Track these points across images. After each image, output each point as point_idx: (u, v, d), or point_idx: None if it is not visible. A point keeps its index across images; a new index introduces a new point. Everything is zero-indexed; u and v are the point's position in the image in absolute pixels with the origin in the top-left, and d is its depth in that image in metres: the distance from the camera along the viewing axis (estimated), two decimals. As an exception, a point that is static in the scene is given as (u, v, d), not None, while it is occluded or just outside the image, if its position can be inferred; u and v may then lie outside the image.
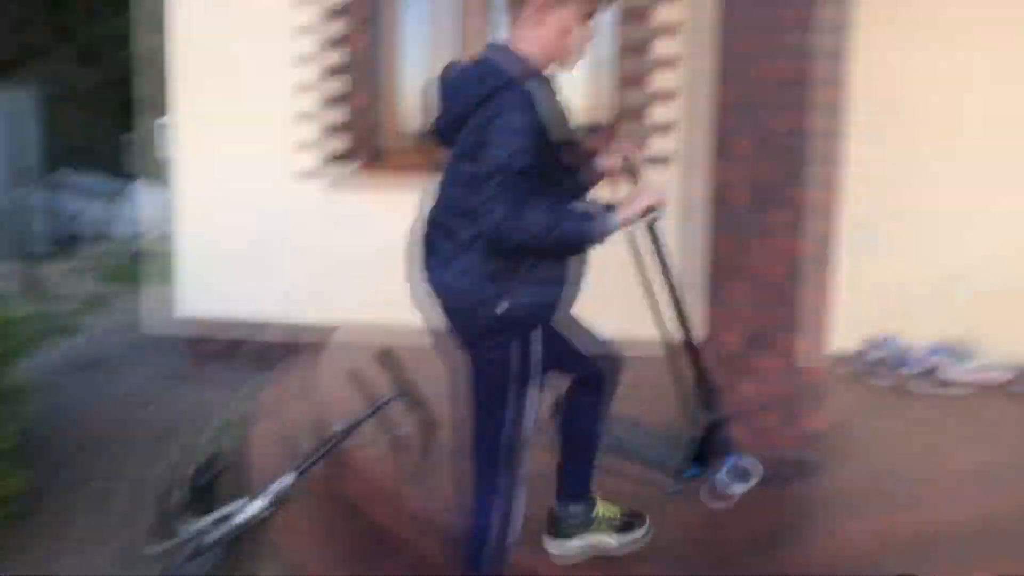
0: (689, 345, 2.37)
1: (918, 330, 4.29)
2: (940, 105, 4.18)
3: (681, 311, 2.33)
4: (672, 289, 2.30)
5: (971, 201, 4.17)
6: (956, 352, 4.13)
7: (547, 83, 2.06)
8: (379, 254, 5.06)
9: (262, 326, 5.10)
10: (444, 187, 2.09)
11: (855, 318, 4.40)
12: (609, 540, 2.38)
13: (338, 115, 4.97)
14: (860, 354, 4.43)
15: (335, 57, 4.92)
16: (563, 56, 2.09)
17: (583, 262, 2.15)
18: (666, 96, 4.58)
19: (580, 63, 2.16)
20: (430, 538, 2.61)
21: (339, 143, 4.99)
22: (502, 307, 1.97)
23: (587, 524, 2.38)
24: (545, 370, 2.10)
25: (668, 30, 4.53)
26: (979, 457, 3.05)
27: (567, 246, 1.99)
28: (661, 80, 4.58)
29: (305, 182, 5.02)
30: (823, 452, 3.05)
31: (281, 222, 5.08)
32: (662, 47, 4.56)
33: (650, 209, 2.04)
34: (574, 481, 2.39)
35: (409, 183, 4.52)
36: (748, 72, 2.91)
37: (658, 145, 4.61)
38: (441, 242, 2.07)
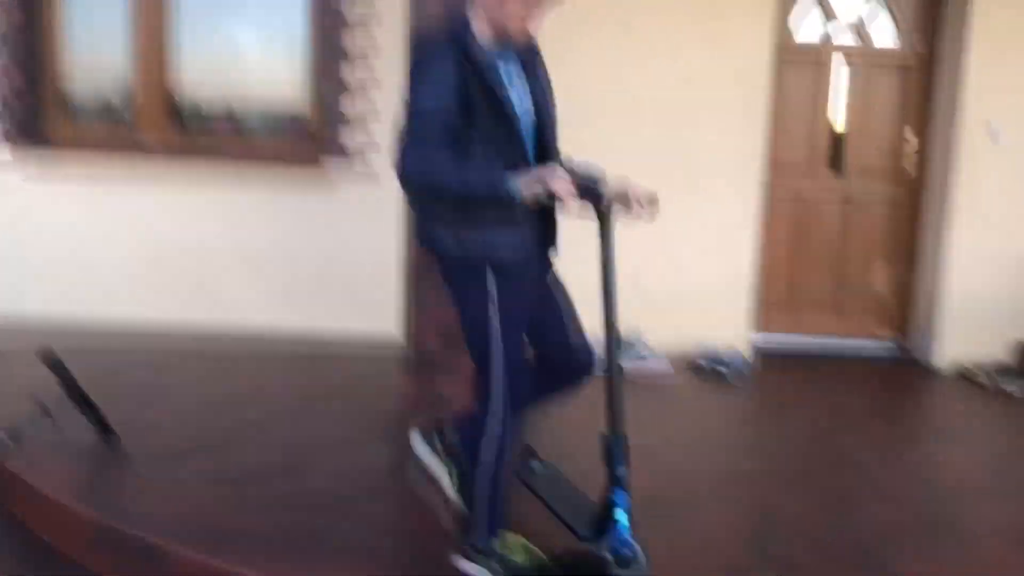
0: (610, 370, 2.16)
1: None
2: (619, 109, 4.63)
3: (609, 325, 2.15)
4: (605, 296, 2.17)
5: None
6: (623, 345, 4.63)
7: (482, 48, 2.06)
8: (41, 243, 4.69)
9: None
10: None
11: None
12: None
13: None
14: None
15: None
16: (509, 25, 2.08)
17: (531, 215, 2.15)
18: (362, 90, 4.64)
19: (531, 33, 2.12)
20: (103, 553, 2.47)
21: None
22: (451, 246, 2.13)
23: None
24: (532, 335, 2.26)
25: (360, 23, 4.59)
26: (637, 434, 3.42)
27: (475, 193, 2.04)
28: (354, 72, 4.64)
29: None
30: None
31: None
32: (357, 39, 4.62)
33: (551, 195, 1.99)
34: None
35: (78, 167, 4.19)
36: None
37: (356, 136, 4.68)
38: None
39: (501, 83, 2.08)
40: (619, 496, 2.06)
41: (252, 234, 4.79)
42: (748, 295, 4.84)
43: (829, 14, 5.02)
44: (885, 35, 5.07)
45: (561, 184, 1.96)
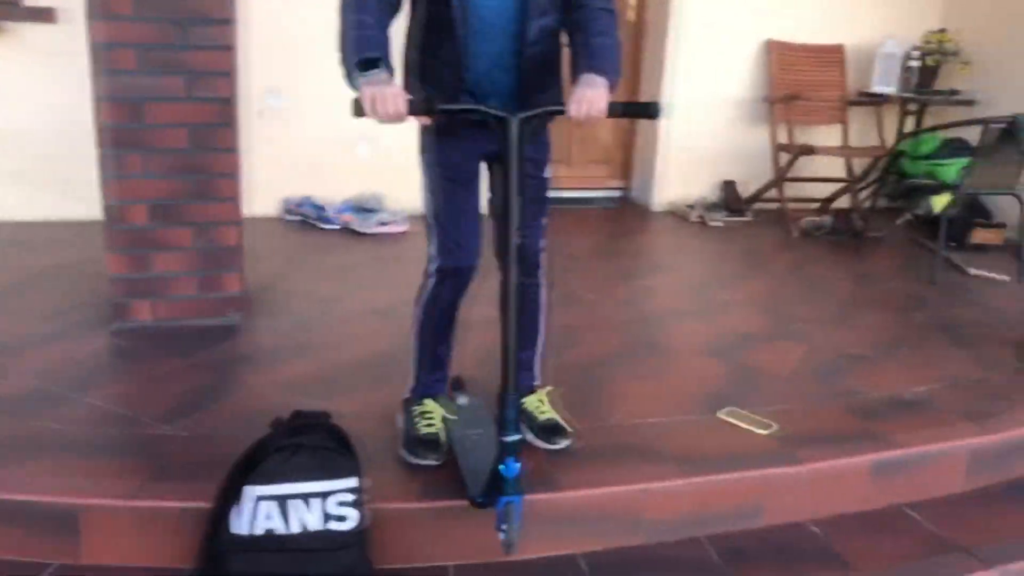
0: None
1: (330, 189, 4.63)
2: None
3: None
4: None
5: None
6: (363, 208, 4.56)
7: None
8: None
9: None
10: None
11: (274, 182, 4.59)
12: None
13: None
14: (283, 215, 4.64)
15: None
16: None
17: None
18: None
19: None
20: None
21: None
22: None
23: None
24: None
25: None
26: (380, 297, 3.44)
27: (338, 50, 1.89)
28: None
29: None
30: (244, 313, 3.16)
31: None
32: None
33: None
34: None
35: None
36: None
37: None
38: None
39: None
40: (508, 466, 1.84)
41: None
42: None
43: None
44: None
45: (387, 109, 1.76)
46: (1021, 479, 2.60)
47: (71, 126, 4.14)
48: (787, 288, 3.93)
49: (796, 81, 5.09)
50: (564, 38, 2.08)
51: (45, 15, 4.09)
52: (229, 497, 1.79)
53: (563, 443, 2.29)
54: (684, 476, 2.23)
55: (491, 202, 2.21)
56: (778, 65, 5.12)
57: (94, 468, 2.12)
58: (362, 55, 1.81)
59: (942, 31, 5.16)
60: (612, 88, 1.88)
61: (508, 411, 1.86)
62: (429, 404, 2.28)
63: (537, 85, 2.05)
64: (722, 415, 2.54)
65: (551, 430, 2.30)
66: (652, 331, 3.30)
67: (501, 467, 1.84)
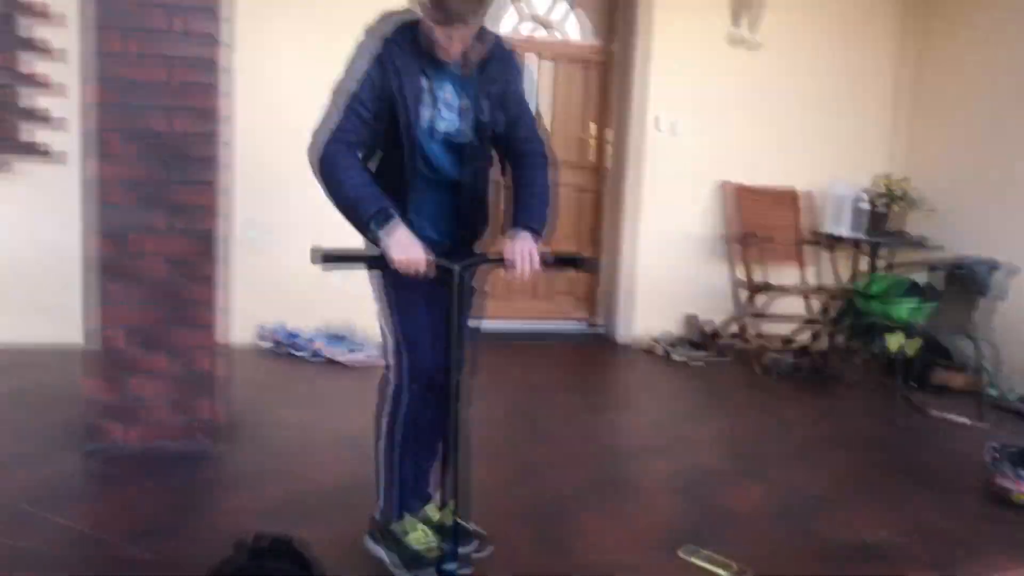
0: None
1: (303, 317, 4.73)
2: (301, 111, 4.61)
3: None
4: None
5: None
6: (335, 335, 4.65)
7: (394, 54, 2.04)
8: None
9: None
10: None
11: (249, 310, 4.66)
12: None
13: None
14: (257, 342, 4.71)
15: None
16: (437, 46, 2.04)
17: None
18: (56, 91, 4.25)
19: (455, 56, 2.08)
20: None
21: None
22: None
23: None
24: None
25: (59, 21, 4.21)
26: (349, 426, 3.47)
27: (340, 206, 2.03)
28: (52, 71, 4.24)
29: None
30: (217, 438, 3.19)
31: None
32: (54, 37, 4.22)
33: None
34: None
35: None
36: (119, 73, 2.89)
37: (48, 138, 4.28)
38: None
39: (413, 96, 2.07)
40: None
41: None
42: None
43: (522, 12, 5.36)
44: (575, 32, 5.51)
45: (407, 264, 1.95)
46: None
47: (56, 255, 4.27)
48: (750, 426, 4.03)
49: (753, 221, 5.34)
50: (494, 173, 2.32)
51: (44, 152, 4.27)
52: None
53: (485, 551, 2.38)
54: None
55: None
56: (734, 205, 5.40)
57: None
58: (373, 208, 1.99)
59: (888, 176, 5.48)
60: (539, 240, 2.10)
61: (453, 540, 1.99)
62: (409, 520, 2.34)
63: (471, 220, 2.30)
64: (683, 554, 2.57)
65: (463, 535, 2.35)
66: (617, 467, 3.35)
67: None
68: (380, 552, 2.34)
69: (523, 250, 2.04)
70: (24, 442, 3.10)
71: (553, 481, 3.11)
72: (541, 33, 5.44)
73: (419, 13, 2.02)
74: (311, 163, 2.07)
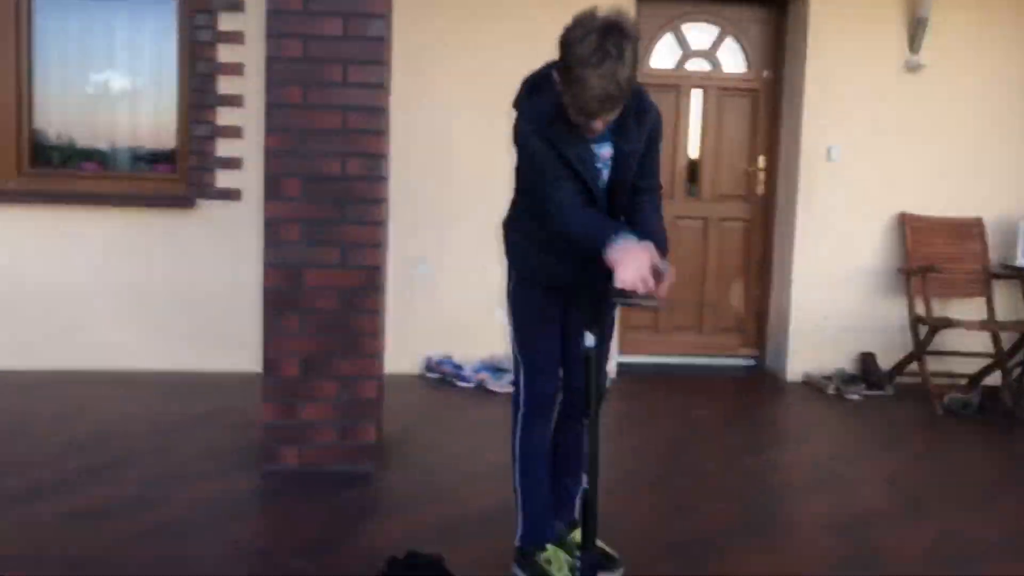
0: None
1: (468, 350, 4.91)
2: (468, 153, 4.85)
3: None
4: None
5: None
6: (497, 368, 4.78)
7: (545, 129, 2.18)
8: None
9: None
10: None
11: (416, 340, 4.92)
12: None
13: None
14: (424, 372, 4.93)
15: None
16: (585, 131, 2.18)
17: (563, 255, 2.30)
18: (231, 132, 4.71)
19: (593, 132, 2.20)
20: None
21: None
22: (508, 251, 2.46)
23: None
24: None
25: (233, 69, 4.68)
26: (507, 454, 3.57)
27: (585, 244, 2.17)
28: (227, 117, 4.71)
29: None
30: (379, 462, 3.37)
31: None
32: (227, 84, 4.69)
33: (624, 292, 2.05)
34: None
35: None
36: (293, 120, 3.17)
37: (226, 179, 4.73)
38: None
39: (588, 160, 2.24)
40: None
41: (120, 274, 4.77)
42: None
43: (683, 42, 5.37)
44: (735, 63, 5.45)
45: (638, 281, 2.02)
46: None
47: (237, 290, 4.71)
48: (924, 468, 3.77)
49: (932, 254, 5.03)
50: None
51: (233, 194, 4.72)
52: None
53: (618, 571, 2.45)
54: (794, 657, 2.18)
55: (571, 350, 2.41)
56: (913, 237, 5.10)
57: (228, 599, 2.31)
58: (611, 231, 2.10)
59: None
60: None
61: (588, 565, 2.10)
62: (552, 550, 2.41)
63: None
64: (839, 595, 2.46)
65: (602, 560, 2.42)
66: (773, 505, 3.25)
67: None
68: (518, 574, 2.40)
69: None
70: (206, 460, 3.40)
71: (705, 517, 3.05)
72: (702, 65, 5.41)
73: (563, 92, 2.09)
74: (557, 230, 2.22)
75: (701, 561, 2.68)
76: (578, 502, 2.43)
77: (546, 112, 2.17)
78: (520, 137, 2.23)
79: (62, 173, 4.86)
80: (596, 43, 1.96)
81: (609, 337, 2.47)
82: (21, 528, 2.72)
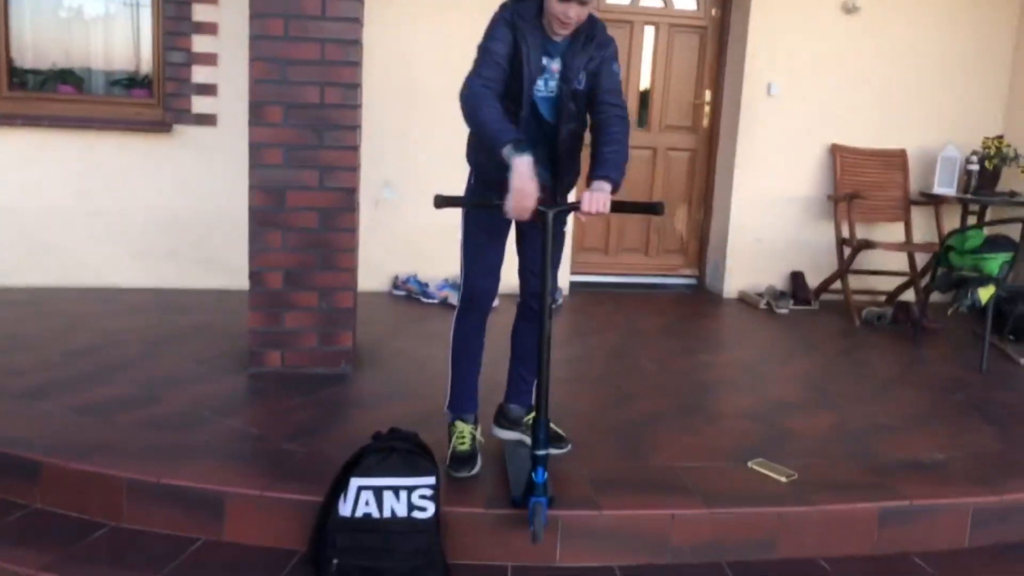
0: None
1: (432, 268, 5.29)
2: (431, 80, 5.13)
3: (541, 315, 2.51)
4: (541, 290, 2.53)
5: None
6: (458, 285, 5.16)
7: (520, 22, 2.51)
8: None
9: None
10: None
11: (383, 260, 5.28)
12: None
13: None
14: (391, 290, 5.31)
15: None
16: (550, 19, 2.50)
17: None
18: (206, 59, 4.95)
19: (559, 30, 2.53)
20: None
21: None
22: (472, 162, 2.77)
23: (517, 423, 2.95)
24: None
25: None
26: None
27: (482, 134, 2.48)
28: (201, 43, 4.94)
29: None
30: (354, 364, 3.77)
31: None
32: (202, 12, 4.91)
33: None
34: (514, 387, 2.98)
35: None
36: (276, 52, 3.46)
37: (201, 104, 4.99)
38: None
39: (535, 66, 2.56)
40: (538, 474, 2.41)
41: (99, 196, 5.02)
42: (569, 241, 5.49)
43: (632, -14, 5.68)
44: (686, 1, 5.78)
45: (520, 205, 2.35)
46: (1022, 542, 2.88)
47: (216, 211, 5.01)
48: (836, 368, 4.29)
49: (859, 182, 5.50)
50: (585, 136, 2.73)
51: (208, 119, 4.98)
52: (338, 487, 2.35)
53: (566, 447, 2.92)
54: (708, 508, 2.66)
55: (525, 262, 2.84)
56: (842, 167, 5.56)
57: (235, 468, 2.73)
58: (511, 136, 2.40)
59: (999, 137, 5.51)
60: (615, 188, 2.48)
61: (541, 432, 2.46)
62: (459, 425, 2.88)
63: (565, 170, 2.74)
64: (750, 464, 2.95)
65: (554, 438, 2.87)
66: (701, 397, 3.73)
67: (533, 475, 2.40)
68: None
69: (596, 198, 2.43)
70: (200, 366, 3.75)
71: (641, 406, 3.51)
72: (655, 2, 5.73)
73: None
74: (461, 100, 2.49)
75: (638, 441, 3.14)
76: (533, 389, 2.88)
77: (528, 9, 2.54)
78: (490, 23, 2.56)
79: (39, 96, 5.04)
80: None
81: (560, 246, 2.87)
82: (30, 420, 3.04)
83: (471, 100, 2.47)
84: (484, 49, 2.53)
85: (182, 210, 5.07)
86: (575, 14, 2.48)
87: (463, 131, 2.68)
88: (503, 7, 2.58)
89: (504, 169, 2.37)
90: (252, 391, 3.52)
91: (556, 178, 2.72)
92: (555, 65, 2.60)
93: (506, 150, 2.36)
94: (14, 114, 4.90)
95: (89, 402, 3.24)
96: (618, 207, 2.46)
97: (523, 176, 2.34)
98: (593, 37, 2.62)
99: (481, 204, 2.58)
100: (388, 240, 5.27)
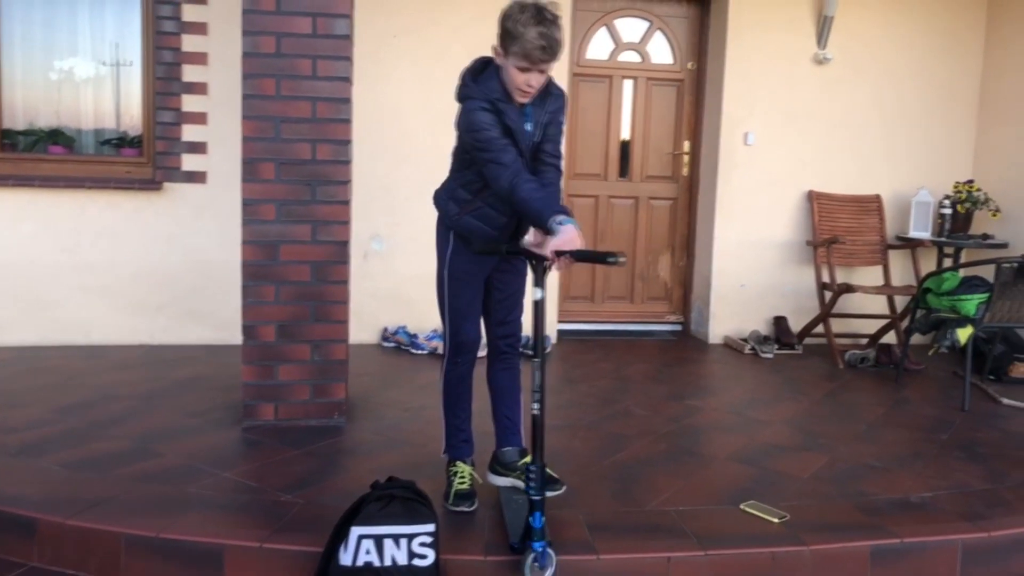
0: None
1: (420, 319, 5.34)
2: (416, 135, 5.26)
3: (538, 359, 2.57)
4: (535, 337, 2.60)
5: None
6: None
7: (496, 103, 2.62)
8: None
9: None
10: None
11: (372, 312, 5.33)
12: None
13: None
14: (380, 341, 5.35)
15: None
16: (512, 90, 2.62)
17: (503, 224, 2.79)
18: (196, 118, 5.04)
19: (521, 99, 2.66)
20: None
21: None
22: (446, 214, 2.87)
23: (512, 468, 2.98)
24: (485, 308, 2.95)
25: (197, 58, 5.00)
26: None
27: (528, 215, 2.62)
28: (191, 103, 5.03)
29: None
30: (347, 416, 3.79)
31: None
32: (192, 72, 5.01)
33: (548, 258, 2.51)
34: (503, 430, 3.04)
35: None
36: (269, 110, 3.55)
37: (191, 161, 5.06)
38: None
39: (519, 136, 2.68)
40: (535, 519, 2.47)
41: (90, 253, 5.06)
42: (555, 290, 5.57)
43: (615, 35, 5.85)
44: (663, 55, 5.96)
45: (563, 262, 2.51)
46: None
47: (206, 266, 5.07)
48: (822, 410, 4.36)
49: (836, 227, 5.65)
50: None
51: (198, 176, 5.06)
52: (338, 537, 2.37)
53: (560, 489, 2.94)
54: (704, 550, 2.69)
55: (493, 306, 2.98)
56: (819, 213, 5.70)
57: (233, 520, 2.74)
58: (558, 207, 2.55)
59: (970, 182, 5.69)
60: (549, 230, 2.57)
61: (536, 476, 2.51)
62: (460, 466, 2.99)
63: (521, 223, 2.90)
64: (743, 507, 2.99)
65: (549, 480, 2.88)
66: (692, 441, 3.78)
67: (531, 519, 2.46)
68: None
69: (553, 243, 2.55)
70: (194, 419, 3.78)
71: (633, 451, 3.56)
72: (633, 57, 5.90)
73: (502, 62, 2.61)
74: (504, 194, 2.61)
75: (631, 485, 3.18)
76: (521, 428, 2.99)
77: (493, 89, 2.65)
78: (468, 115, 2.64)
79: (30, 157, 5.10)
80: (534, 10, 2.53)
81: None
82: (27, 477, 3.06)
83: (508, 181, 2.58)
84: (487, 140, 2.61)
85: (172, 266, 5.12)
86: (536, 82, 2.63)
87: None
88: (469, 98, 2.68)
89: (486, 233, 2.76)
90: (247, 443, 3.54)
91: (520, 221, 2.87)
92: (529, 126, 2.76)
93: (557, 221, 2.50)
94: (5, 175, 4.96)
95: (84, 457, 3.25)
96: (578, 255, 2.54)
97: (573, 233, 2.48)
98: (549, 92, 2.79)
99: (514, 252, 2.70)
100: (376, 292, 5.34)
